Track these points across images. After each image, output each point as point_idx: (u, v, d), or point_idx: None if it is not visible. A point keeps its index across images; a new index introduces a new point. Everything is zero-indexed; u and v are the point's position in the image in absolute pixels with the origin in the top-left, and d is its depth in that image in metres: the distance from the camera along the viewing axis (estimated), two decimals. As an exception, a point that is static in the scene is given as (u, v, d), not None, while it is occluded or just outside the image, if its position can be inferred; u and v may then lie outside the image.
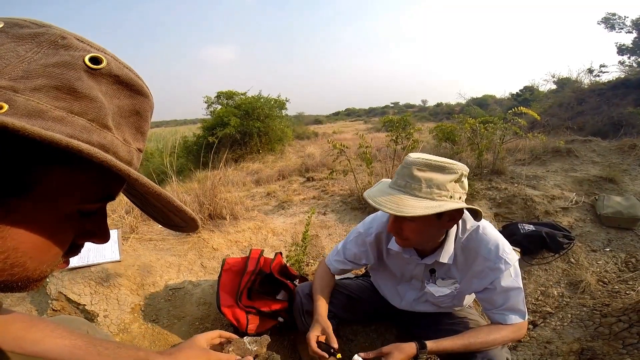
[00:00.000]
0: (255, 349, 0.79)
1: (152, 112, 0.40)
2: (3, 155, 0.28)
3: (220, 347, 0.81)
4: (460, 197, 1.00)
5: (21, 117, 0.28)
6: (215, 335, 0.80)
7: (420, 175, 0.97)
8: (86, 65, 0.33)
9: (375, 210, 1.17)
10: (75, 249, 0.39)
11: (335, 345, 1.12)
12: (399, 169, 1.04)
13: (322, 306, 1.24)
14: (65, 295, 1.49)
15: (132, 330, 1.47)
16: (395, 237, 1.12)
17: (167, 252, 2.02)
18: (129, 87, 0.37)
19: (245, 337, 0.81)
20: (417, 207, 0.94)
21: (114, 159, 0.31)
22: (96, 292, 1.54)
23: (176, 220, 0.42)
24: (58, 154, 0.29)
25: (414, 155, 1.01)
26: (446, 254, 1.12)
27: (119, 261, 1.72)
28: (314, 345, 1.11)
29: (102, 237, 0.41)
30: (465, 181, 1.02)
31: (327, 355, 1.10)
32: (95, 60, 0.33)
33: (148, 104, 0.39)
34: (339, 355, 1.11)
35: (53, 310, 1.45)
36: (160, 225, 2.38)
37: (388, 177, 2.97)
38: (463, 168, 0.99)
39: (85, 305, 1.47)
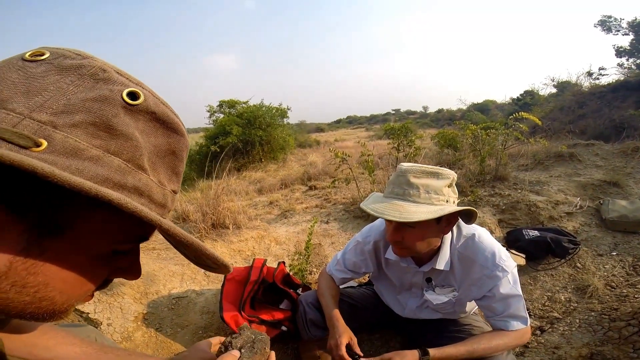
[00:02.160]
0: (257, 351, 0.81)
1: (187, 152, 0.40)
2: (37, 198, 0.29)
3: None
4: (454, 201, 1.03)
5: (58, 155, 0.28)
6: (216, 341, 0.81)
7: (417, 182, 0.99)
8: (124, 100, 0.32)
9: (373, 219, 1.18)
10: (106, 284, 0.39)
11: (361, 353, 1.13)
12: (393, 178, 1.06)
13: (340, 316, 1.23)
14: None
15: (136, 339, 1.46)
16: (393, 246, 1.12)
17: (170, 261, 2.02)
18: (165, 124, 0.36)
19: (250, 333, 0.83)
20: (420, 212, 0.95)
21: (145, 210, 0.30)
22: (99, 300, 1.54)
23: (208, 262, 0.42)
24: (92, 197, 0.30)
25: (407, 164, 1.04)
26: (442, 261, 1.12)
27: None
28: (343, 350, 1.11)
29: (134, 274, 0.41)
30: (455, 186, 1.06)
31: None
32: (133, 95, 0.33)
33: (184, 143, 0.38)
34: None
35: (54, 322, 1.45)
36: (163, 235, 2.39)
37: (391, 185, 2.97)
38: (453, 173, 1.03)
39: (88, 313, 1.47)
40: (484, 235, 1.13)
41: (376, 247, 1.28)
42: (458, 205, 1.05)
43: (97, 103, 0.31)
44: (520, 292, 1.09)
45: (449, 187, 1.02)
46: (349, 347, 1.13)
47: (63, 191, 0.28)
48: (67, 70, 0.31)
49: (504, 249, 1.12)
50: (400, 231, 1.04)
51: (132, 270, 0.40)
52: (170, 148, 0.37)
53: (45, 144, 0.28)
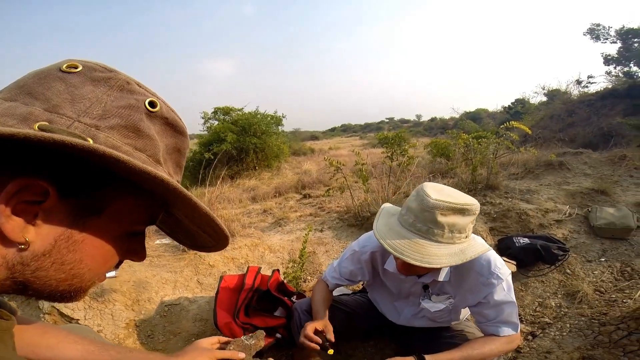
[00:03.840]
0: (253, 342, 0.85)
1: (187, 150, 0.47)
2: (83, 182, 0.34)
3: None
4: (471, 233, 1.02)
5: None
6: (214, 340, 0.85)
7: (443, 221, 0.93)
8: (146, 108, 0.39)
9: (368, 227, 1.17)
10: (119, 265, 0.44)
11: (333, 339, 1.12)
12: (416, 208, 0.97)
13: (323, 313, 1.24)
14: (58, 310, 1.48)
15: (127, 346, 1.45)
16: (401, 270, 1.10)
17: (163, 268, 2.00)
18: (174, 128, 0.43)
19: (242, 337, 0.86)
20: (442, 255, 0.93)
21: (180, 185, 0.36)
22: (90, 307, 1.53)
23: (206, 240, 0.48)
24: (124, 182, 0.36)
25: (434, 196, 0.95)
26: (443, 273, 1.13)
27: (115, 277, 1.71)
28: (310, 330, 1.10)
29: (141, 255, 0.46)
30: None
31: (319, 341, 1.09)
32: (152, 104, 0.39)
33: (186, 142, 0.46)
34: (331, 351, 1.09)
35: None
36: (156, 242, 2.37)
37: (383, 191, 2.99)
38: (478, 206, 0.98)
39: (78, 320, 1.46)
40: (479, 243, 1.15)
41: (373, 257, 1.28)
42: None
43: (127, 110, 0.37)
44: (514, 299, 1.11)
45: (472, 221, 0.99)
46: (320, 334, 1.13)
47: (102, 176, 0.35)
48: (99, 82, 0.37)
49: (499, 257, 1.14)
50: (411, 264, 0.98)
51: (141, 252, 0.46)
52: (177, 147, 0.44)
53: (91, 141, 0.33)
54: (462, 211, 0.94)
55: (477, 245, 1.00)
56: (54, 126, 0.32)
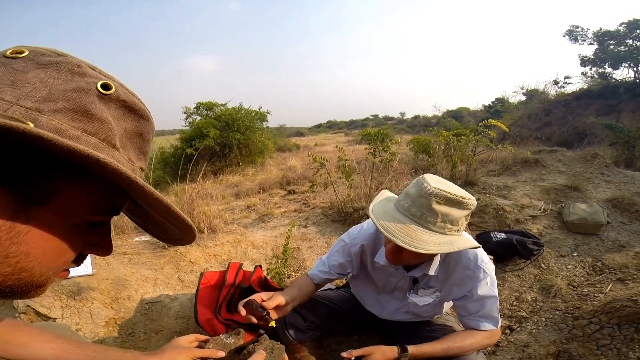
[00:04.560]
0: (233, 341, 0.83)
1: (153, 135, 0.44)
2: (23, 168, 0.32)
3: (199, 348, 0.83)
4: (464, 229, 1.03)
5: None
6: (192, 338, 0.83)
7: (438, 209, 0.95)
8: (98, 90, 0.36)
9: (352, 222, 1.17)
10: (79, 259, 0.42)
11: (270, 309, 1.04)
12: (414, 193, 0.99)
13: (288, 291, 1.19)
14: (33, 309, 1.44)
15: (107, 344, 1.42)
16: (389, 256, 1.11)
17: (142, 265, 1.96)
18: (133, 111, 0.40)
19: (221, 335, 0.85)
20: (430, 242, 0.94)
21: (124, 168, 0.34)
22: (67, 305, 1.49)
23: (174, 232, 0.45)
24: (74, 168, 0.33)
25: (433, 184, 0.97)
26: (434, 267, 1.15)
27: (92, 275, 1.67)
28: (254, 300, 1.04)
29: (105, 248, 0.43)
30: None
31: (257, 315, 1.02)
32: (105, 86, 0.37)
33: (150, 127, 0.43)
34: (272, 323, 1.02)
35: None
36: (135, 239, 2.32)
37: (366, 187, 3.02)
38: (474, 202, 0.99)
39: (56, 319, 1.42)
40: (470, 239, 1.16)
41: (362, 250, 1.28)
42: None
43: (76, 93, 0.35)
44: (497, 294, 1.14)
45: (466, 217, 1.00)
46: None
47: (47, 162, 0.32)
48: (46, 66, 0.35)
49: (486, 253, 1.16)
50: (400, 249, 0.99)
51: (104, 245, 0.43)
52: (138, 131, 0.41)
53: (31, 125, 0.30)
54: (457, 203, 0.96)
55: (467, 241, 1.02)
56: None
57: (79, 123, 0.34)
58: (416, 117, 31.31)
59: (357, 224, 1.38)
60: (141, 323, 1.57)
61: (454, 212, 0.96)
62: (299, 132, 26.93)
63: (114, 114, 0.38)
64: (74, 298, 1.52)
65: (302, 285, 1.29)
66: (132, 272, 1.85)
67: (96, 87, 0.36)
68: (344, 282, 1.73)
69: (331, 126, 45.05)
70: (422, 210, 0.96)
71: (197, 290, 1.54)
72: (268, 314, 1.04)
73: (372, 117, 45.69)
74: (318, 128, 41.96)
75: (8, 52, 0.34)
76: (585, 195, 3.11)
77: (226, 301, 1.51)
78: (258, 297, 1.08)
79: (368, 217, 1.08)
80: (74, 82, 0.35)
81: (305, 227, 2.88)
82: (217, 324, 1.42)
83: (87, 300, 1.54)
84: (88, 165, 0.31)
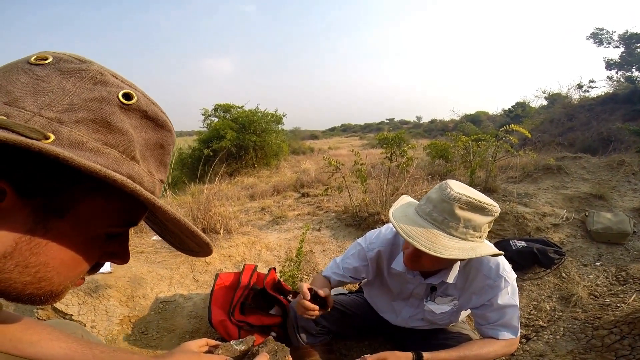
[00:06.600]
0: (242, 348, 0.82)
1: (173, 146, 0.44)
2: (44, 182, 0.32)
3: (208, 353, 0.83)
4: (485, 237, 1.01)
5: (64, 147, 0.32)
6: (202, 343, 0.83)
7: (460, 214, 0.93)
8: (120, 100, 0.36)
9: (366, 228, 1.16)
10: (96, 267, 0.42)
11: (322, 293, 1.12)
12: (436, 198, 0.98)
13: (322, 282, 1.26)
14: (51, 305, 1.47)
15: (120, 342, 1.45)
16: (407, 260, 1.09)
17: (158, 264, 2.00)
18: (154, 121, 0.40)
19: (231, 341, 0.84)
20: (452, 248, 0.91)
21: (141, 189, 0.34)
22: (84, 302, 1.52)
23: (192, 245, 0.45)
24: (93, 182, 0.33)
25: (456, 189, 0.95)
26: (453, 275, 1.12)
27: (110, 272, 1.71)
28: (306, 292, 1.11)
29: (122, 257, 0.44)
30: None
31: (316, 308, 1.10)
32: (127, 96, 0.37)
33: (171, 138, 0.43)
34: (328, 309, 1.12)
35: (38, 319, 1.43)
36: (153, 238, 2.37)
37: (382, 192, 2.99)
38: (498, 209, 0.97)
39: (72, 315, 1.46)
40: (491, 246, 1.14)
41: (379, 256, 1.26)
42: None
43: (97, 103, 0.35)
44: (517, 303, 1.10)
45: (489, 223, 0.97)
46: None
47: (67, 176, 0.33)
48: (69, 73, 0.35)
49: (507, 262, 1.13)
50: (420, 253, 0.99)
51: (121, 255, 0.43)
52: (159, 142, 0.41)
53: (52, 137, 0.31)
54: (480, 209, 0.94)
55: (489, 247, 0.99)
56: (10, 120, 0.30)
57: (99, 135, 0.34)
58: (433, 122, 30.90)
59: (372, 228, 1.37)
60: (155, 322, 1.59)
61: (477, 218, 0.94)
62: (313, 135, 27.01)
63: (135, 124, 0.38)
64: (92, 295, 1.56)
65: (323, 284, 1.29)
66: (149, 270, 1.89)
67: (117, 97, 0.36)
68: (357, 287, 1.72)
69: (345, 129, 44.97)
70: (444, 215, 0.94)
71: (212, 291, 1.56)
72: (320, 297, 1.11)
73: (388, 121, 45.39)
74: (332, 131, 41.96)
75: (32, 59, 0.35)
76: (611, 204, 2.99)
77: (240, 303, 1.52)
78: (305, 287, 1.13)
79: (383, 221, 1.08)
80: (95, 91, 0.35)
81: (319, 230, 2.88)
82: (230, 325, 1.43)
83: (103, 297, 1.58)
84: (106, 181, 0.32)
